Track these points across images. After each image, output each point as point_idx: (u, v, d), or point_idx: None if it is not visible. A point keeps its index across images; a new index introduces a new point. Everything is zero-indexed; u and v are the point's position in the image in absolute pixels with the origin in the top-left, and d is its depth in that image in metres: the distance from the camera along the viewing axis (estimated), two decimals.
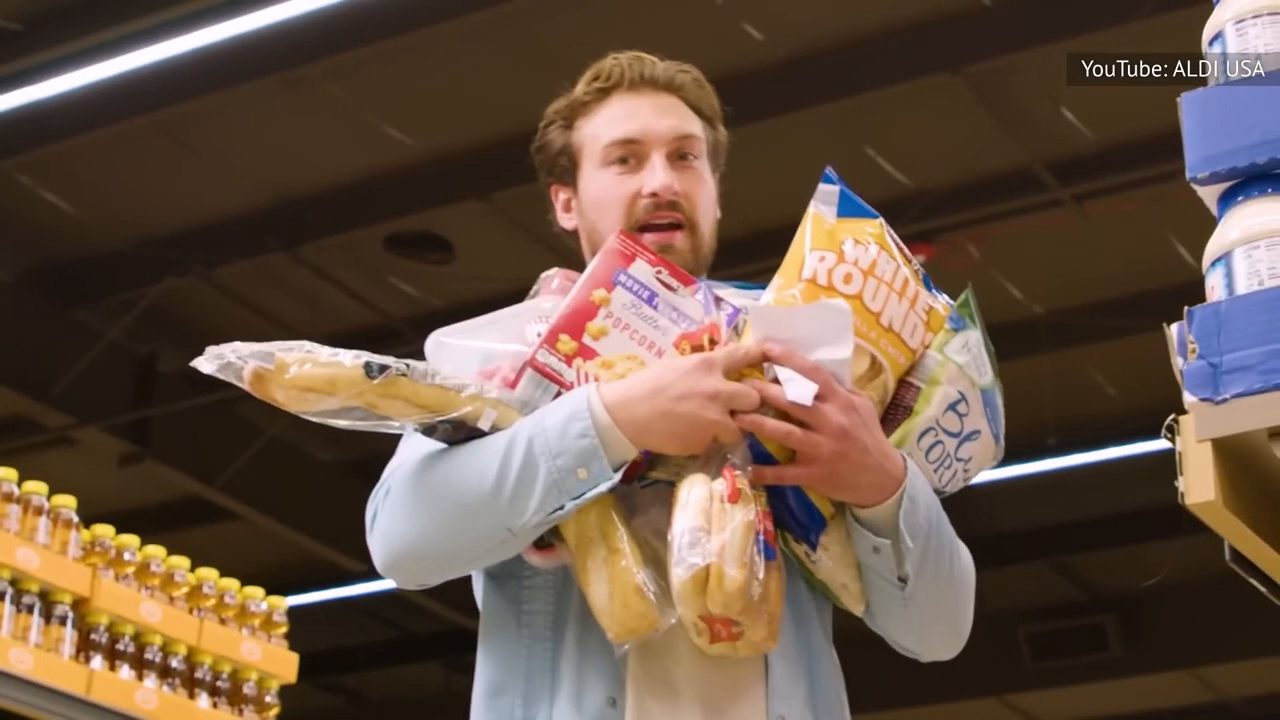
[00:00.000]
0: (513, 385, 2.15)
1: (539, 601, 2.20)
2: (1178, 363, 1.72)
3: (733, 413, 2.08)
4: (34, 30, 7.07)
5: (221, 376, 2.05)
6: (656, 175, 2.31)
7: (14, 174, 8.26)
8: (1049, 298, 8.97)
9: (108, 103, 7.38)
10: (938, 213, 8.04)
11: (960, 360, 2.22)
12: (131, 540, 4.77)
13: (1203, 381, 1.69)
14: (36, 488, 4.57)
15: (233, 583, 5.02)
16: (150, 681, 4.62)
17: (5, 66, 7.11)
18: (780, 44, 7.28)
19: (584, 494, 2.06)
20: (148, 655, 4.66)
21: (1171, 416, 1.71)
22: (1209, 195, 1.84)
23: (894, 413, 2.21)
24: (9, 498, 4.47)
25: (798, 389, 2.08)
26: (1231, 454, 1.69)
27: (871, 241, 2.20)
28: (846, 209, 2.23)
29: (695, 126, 2.37)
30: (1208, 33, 1.89)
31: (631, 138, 2.33)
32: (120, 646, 4.60)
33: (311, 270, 8.72)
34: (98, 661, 4.52)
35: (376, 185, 8.20)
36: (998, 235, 8.46)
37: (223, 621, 4.90)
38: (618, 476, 2.07)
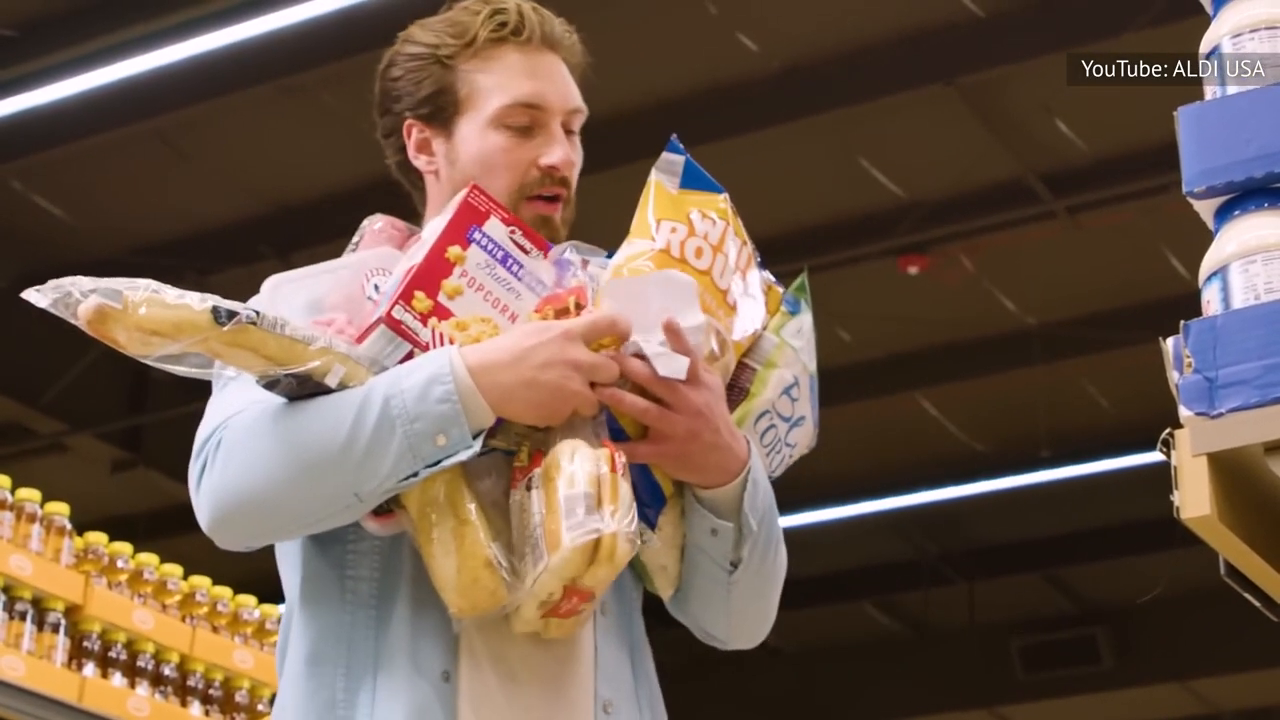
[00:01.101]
0: (359, 340, 2.03)
1: (364, 568, 2.07)
2: (1173, 376, 1.72)
3: (591, 385, 2.00)
4: (29, 37, 7.07)
5: (54, 311, 1.89)
6: (556, 149, 2.19)
7: (8, 180, 8.26)
8: (1042, 309, 8.98)
9: (103, 110, 7.37)
10: (931, 224, 8.04)
11: (796, 344, 2.19)
12: (124, 548, 4.76)
13: (1198, 395, 1.69)
14: (29, 495, 4.56)
15: (225, 591, 5.01)
16: (142, 689, 4.61)
17: (0, 73, 7.11)
18: (774, 55, 7.28)
19: (440, 461, 1.94)
20: (140, 663, 4.64)
21: (1167, 430, 1.70)
22: (1205, 209, 1.84)
23: (731, 394, 2.15)
24: (2, 504, 4.47)
25: (670, 365, 2.01)
26: (1226, 468, 1.69)
27: (717, 217, 2.15)
28: (690, 181, 2.18)
29: (580, 99, 2.26)
30: (1204, 46, 1.89)
31: (534, 103, 2.19)
32: (113, 654, 4.59)
33: None
34: (90, 669, 4.51)
35: (370, 193, 8.18)
36: (991, 247, 8.46)
37: (215, 629, 4.89)
38: (478, 445, 1.95)
